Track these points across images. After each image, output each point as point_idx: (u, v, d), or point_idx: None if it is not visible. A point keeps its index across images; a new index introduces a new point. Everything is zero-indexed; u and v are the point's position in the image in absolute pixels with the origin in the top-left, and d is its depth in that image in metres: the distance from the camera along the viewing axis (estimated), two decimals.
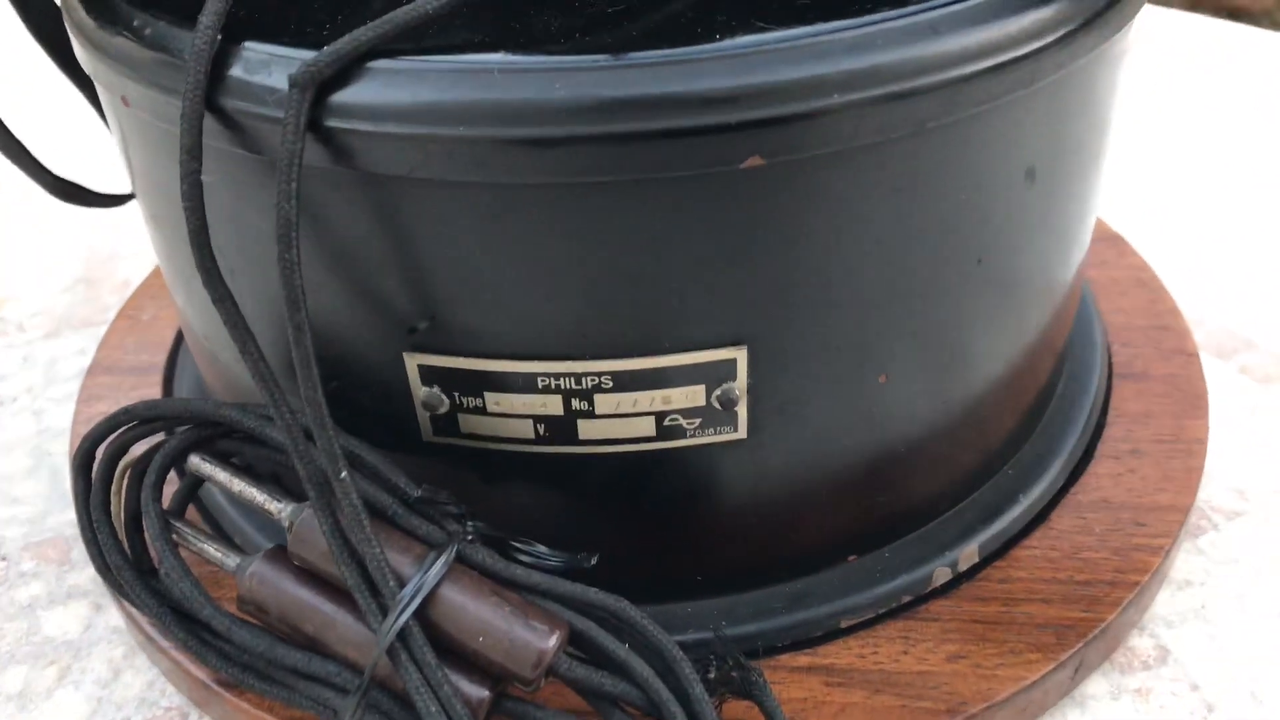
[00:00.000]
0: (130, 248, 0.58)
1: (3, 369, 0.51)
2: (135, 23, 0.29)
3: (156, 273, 0.52)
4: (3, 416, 0.48)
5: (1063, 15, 0.27)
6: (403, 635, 0.28)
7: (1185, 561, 0.39)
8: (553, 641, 0.28)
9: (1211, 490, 0.41)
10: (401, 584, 0.28)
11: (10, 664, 0.38)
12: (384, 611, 0.28)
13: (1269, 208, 0.56)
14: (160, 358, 0.47)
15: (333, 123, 0.25)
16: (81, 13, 0.30)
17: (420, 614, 0.28)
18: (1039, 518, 0.37)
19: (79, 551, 0.42)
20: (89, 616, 0.39)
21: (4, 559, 0.42)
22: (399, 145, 0.25)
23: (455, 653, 0.29)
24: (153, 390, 0.45)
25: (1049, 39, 0.27)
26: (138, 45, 0.28)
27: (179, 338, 0.47)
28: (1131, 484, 0.38)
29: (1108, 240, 0.50)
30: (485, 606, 0.28)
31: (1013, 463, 0.38)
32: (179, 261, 0.33)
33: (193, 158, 0.27)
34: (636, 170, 0.25)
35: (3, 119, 0.37)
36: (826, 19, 0.26)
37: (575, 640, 0.29)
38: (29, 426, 0.48)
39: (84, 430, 0.44)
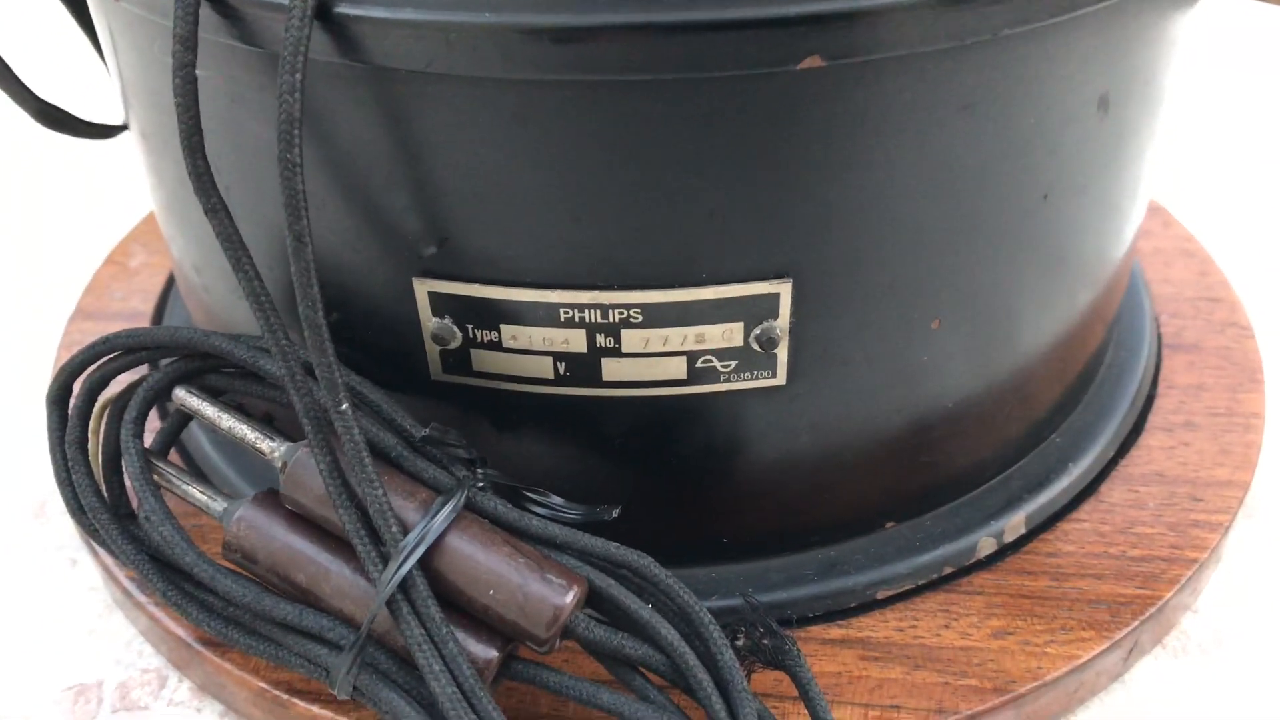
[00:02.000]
0: None
1: None
2: None
3: (146, 220, 0.49)
4: None
5: None
6: (404, 586, 0.25)
7: (1238, 544, 0.36)
8: (570, 598, 0.26)
9: (1263, 468, 0.38)
10: (405, 530, 0.26)
11: None
12: (384, 560, 0.26)
13: None
14: (148, 305, 0.44)
15: (343, 9, 0.23)
16: None
17: (424, 563, 0.25)
18: (1088, 489, 0.35)
19: (55, 502, 0.39)
20: (65, 571, 0.37)
21: None
22: (417, 34, 0.23)
23: (461, 608, 0.26)
24: None
25: None
26: None
27: (168, 286, 0.45)
28: (1186, 457, 0.36)
29: (1150, 211, 0.47)
30: (497, 558, 0.26)
31: (1061, 430, 0.35)
32: (171, 181, 0.31)
33: (187, 49, 0.24)
34: (680, 67, 0.22)
35: None
36: None
37: (594, 599, 0.27)
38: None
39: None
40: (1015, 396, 0.33)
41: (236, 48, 0.25)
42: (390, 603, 0.25)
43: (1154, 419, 0.37)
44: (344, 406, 0.25)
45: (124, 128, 0.38)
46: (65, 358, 0.42)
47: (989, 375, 0.31)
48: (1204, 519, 0.34)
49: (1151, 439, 0.37)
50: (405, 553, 0.25)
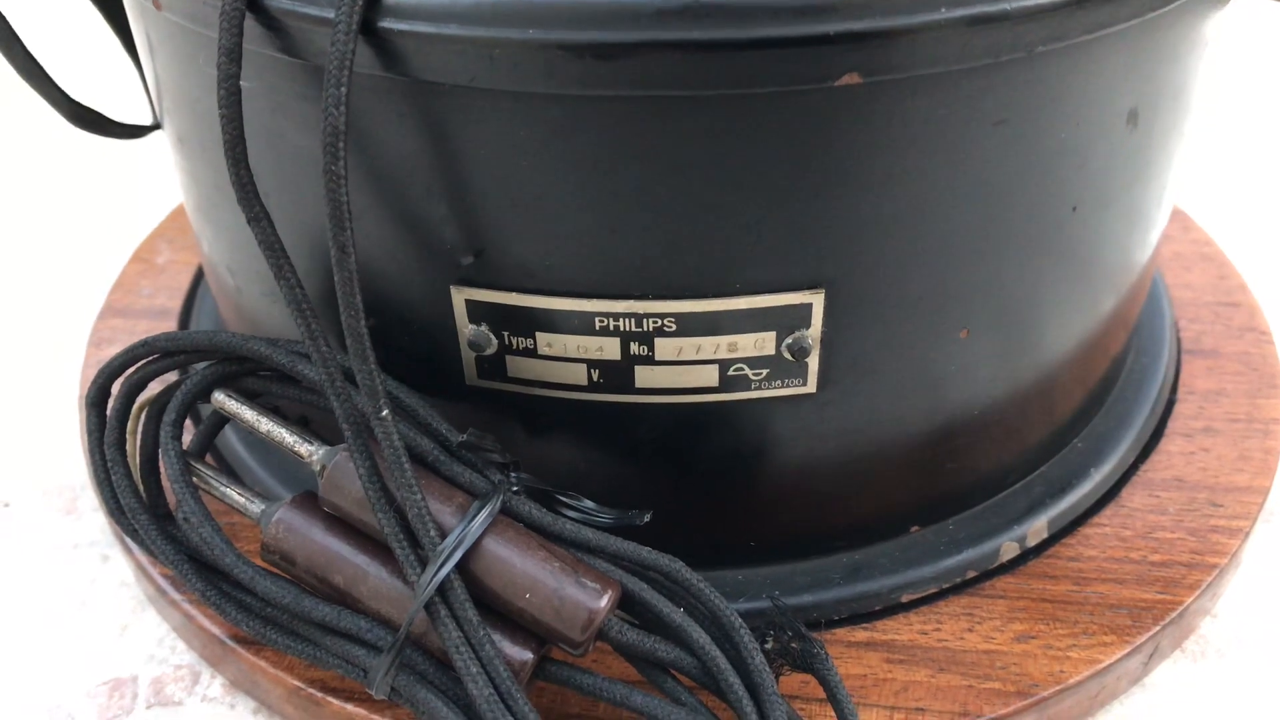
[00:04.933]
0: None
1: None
2: None
3: (172, 216, 0.49)
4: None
5: None
6: (443, 589, 0.26)
7: (1256, 548, 0.36)
8: (604, 601, 0.26)
9: None
10: (443, 534, 0.26)
11: (16, 613, 0.36)
12: (423, 563, 0.26)
13: None
14: (176, 302, 0.44)
15: (388, 23, 0.23)
16: None
17: (462, 567, 0.26)
18: (1110, 494, 0.35)
19: (88, 497, 0.39)
20: (97, 567, 0.37)
21: (5, 505, 0.39)
22: (461, 50, 0.23)
23: (497, 611, 0.27)
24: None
25: None
26: None
27: (196, 282, 0.45)
28: (1206, 463, 0.36)
29: (1170, 215, 0.48)
30: (532, 561, 0.26)
31: (1082, 436, 0.36)
32: (207, 186, 0.31)
33: (232, 60, 0.24)
34: (720, 84, 0.23)
35: (22, 39, 0.35)
36: None
37: (626, 603, 0.27)
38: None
39: (93, 374, 0.41)
40: (1039, 403, 0.33)
41: (279, 59, 0.25)
42: (428, 605, 0.26)
43: (1174, 424, 0.38)
44: (384, 413, 0.25)
45: (154, 127, 0.38)
46: (95, 354, 0.42)
47: (1014, 383, 0.31)
48: (1224, 524, 0.34)
49: (1171, 444, 0.37)
50: (443, 557, 0.26)
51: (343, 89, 0.23)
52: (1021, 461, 0.34)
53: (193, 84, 0.28)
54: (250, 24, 0.25)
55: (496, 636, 0.26)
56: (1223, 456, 0.36)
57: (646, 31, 0.22)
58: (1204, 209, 0.50)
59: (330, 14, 0.23)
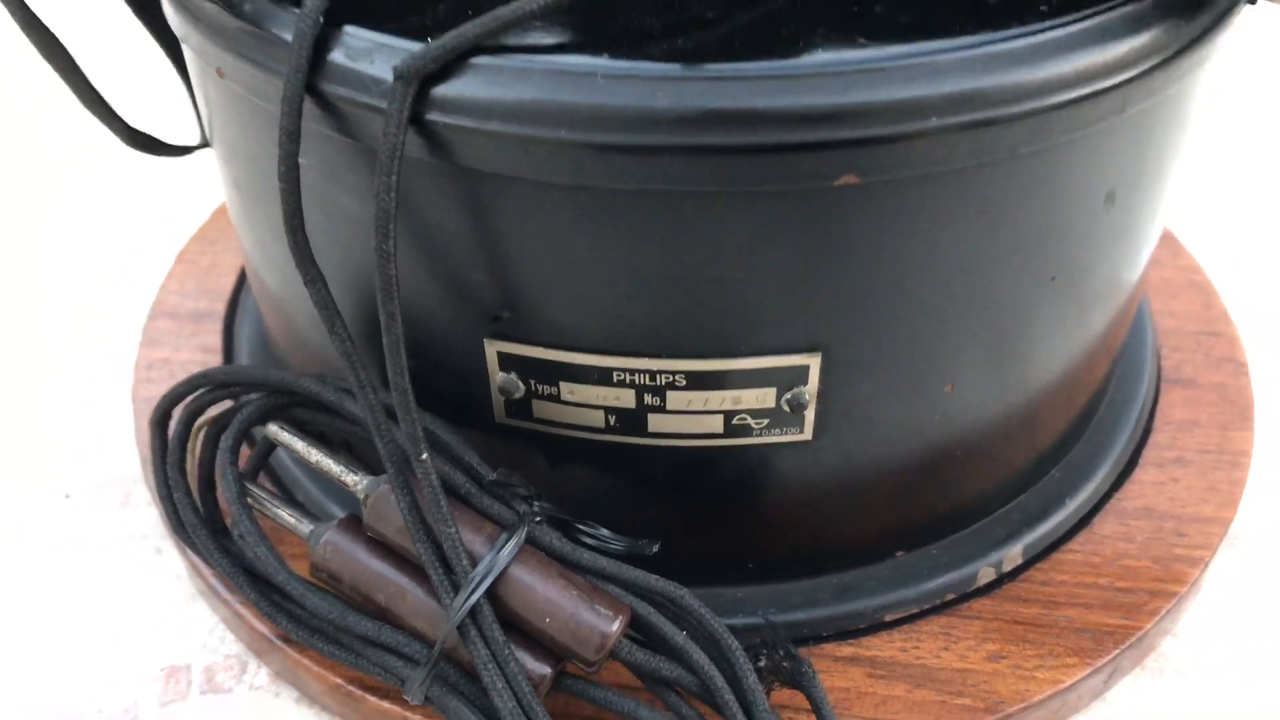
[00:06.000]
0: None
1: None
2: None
3: (214, 216, 0.52)
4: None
5: (1157, 43, 0.27)
6: (473, 612, 0.29)
7: (1218, 571, 0.39)
8: (616, 626, 0.29)
9: (1249, 502, 0.42)
10: (474, 562, 0.29)
11: (79, 601, 0.39)
12: (456, 588, 0.29)
13: None
14: (219, 305, 0.47)
15: (434, 116, 0.26)
16: None
17: (490, 592, 0.29)
18: (1082, 522, 0.38)
19: (141, 491, 0.43)
20: (150, 559, 0.41)
21: (67, 497, 0.43)
22: (500, 143, 0.26)
23: (520, 630, 0.30)
24: (212, 337, 0.46)
25: (1143, 67, 0.27)
26: (237, 20, 0.28)
27: (238, 284, 0.48)
28: (1175, 493, 0.39)
29: (1161, 239, 0.50)
30: (553, 588, 0.29)
31: (1061, 465, 0.39)
32: (260, 231, 0.34)
33: (291, 140, 0.27)
34: (732, 183, 0.25)
35: (84, 71, 0.38)
36: (927, 38, 0.26)
37: (635, 624, 0.30)
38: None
39: (145, 374, 0.45)
40: (1022, 438, 0.36)
41: (334, 136, 0.28)
42: (460, 626, 0.29)
43: (1148, 454, 0.40)
44: (424, 456, 0.29)
45: (202, 145, 0.41)
46: (146, 354, 0.45)
47: (997, 427, 0.34)
48: (1186, 554, 0.37)
49: (1144, 474, 0.40)
50: (474, 584, 0.29)
51: (393, 177, 0.26)
52: (1002, 491, 0.37)
53: (250, 143, 0.31)
54: (308, 104, 0.27)
55: (519, 654, 0.29)
56: (1191, 487, 0.39)
57: (665, 136, 0.25)
58: (1196, 230, 0.52)
59: (382, 104, 0.26)
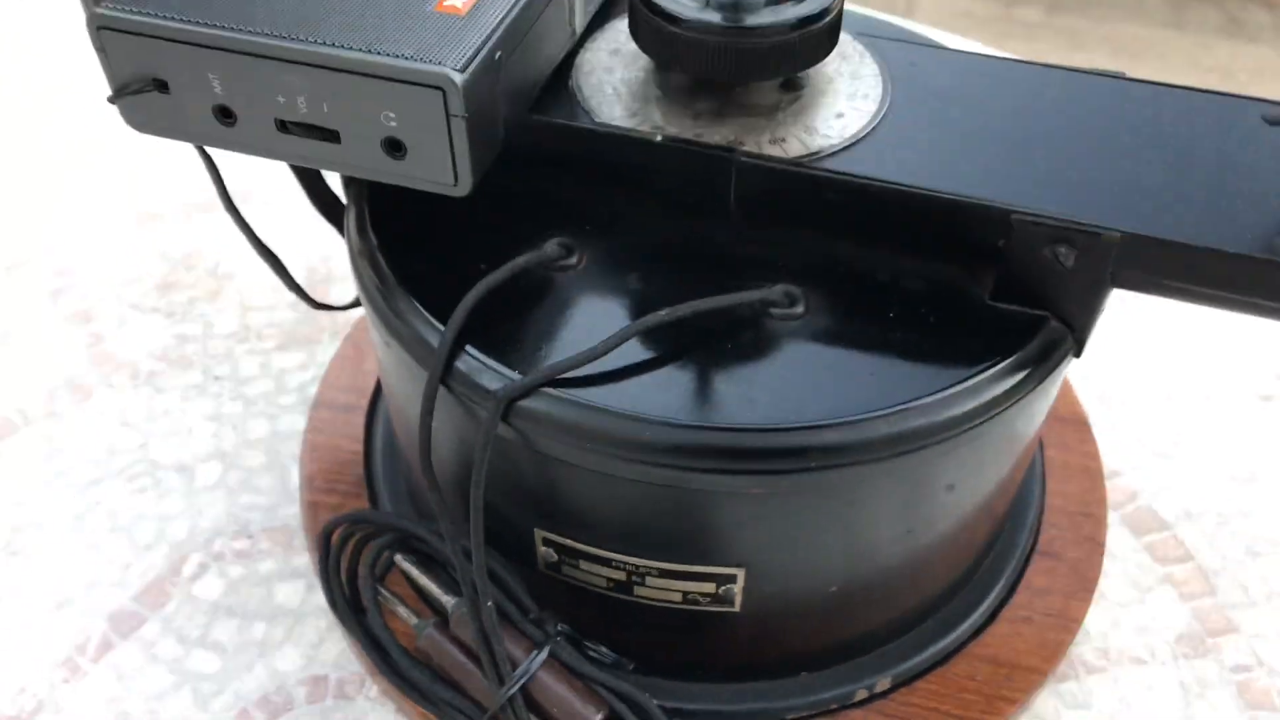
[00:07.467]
0: (342, 270, 0.76)
1: (248, 372, 0.70)
2: (399, 305, 0.46)
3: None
4: (248, 415, 0.68)
5: (1000, 394, 0.43)
6: (511, 700, 0.47)
7: (1046, 704, 0.55)
8: (598, 717, 0.47)
9: (1083, 648, 0.57)
10: (513, 667, 0.47)
11: (255, 619, 0.58)
12: (502, 681, 0.47)
13: (1243, 406, 0.69)
14: (363, 401, 0.65)
15: (515, 421, 0.43)
16: (370, 273, 0.47)
17: (523, 688, 0.47)
18: (941, 661, 0.54)
19: (300, 539, 0.61)
20: (304, 593, 0.59)
21: (249, 538, 0.62)
22: (563, 439, 0.42)
23: (540, 712, 0.48)
24: (355, 428, 0.64)
25: (989, 415, 0.43)
26: (401, 324, 0.45)
27: (375, 393, 0.66)
28: (1015, 646, 0.55)
29: (1074, 424, 0.65)
30: (563, 688, 0.47)
31: (936, 617, 0.55)
32: (401, 413, 0.51)
33: (427, 412, 0.44)
34: (702, 486, 0.42)
35: (259, 235, 0.54)
36: (811, 410, 0.42)
37: (612, 714, 0.48)
38: (265, 428, 0.67)
39: (310, 455, 0.63)
40: (908, 606, 0.52)
41: (456, 409, 0.45)
42: (501, 706, 0.47)
43: (1006, 612, 0.56)
44: (489, 604, 0.46)
45: (358, 303, 0.58)
46: (311, 440, 0.64)
47: (891, 609, 0.50)
48: (1008, 694, 0.53)
49: (999, 627, 0.56)
50: (514, 681, 0.47)
51: (485, 450, 0.43)
52: (885, 636, 0.53)
53: (402, 381, 0.48)
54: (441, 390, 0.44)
55: None
56: (1029, 641, 0.55)
57: (662, 458, 0.41)
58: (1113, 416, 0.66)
59: (484, 411, 0.43)
